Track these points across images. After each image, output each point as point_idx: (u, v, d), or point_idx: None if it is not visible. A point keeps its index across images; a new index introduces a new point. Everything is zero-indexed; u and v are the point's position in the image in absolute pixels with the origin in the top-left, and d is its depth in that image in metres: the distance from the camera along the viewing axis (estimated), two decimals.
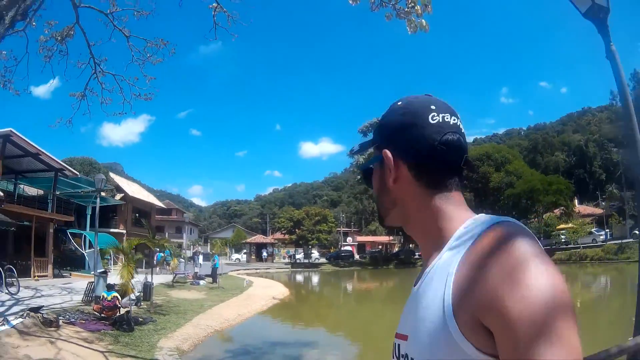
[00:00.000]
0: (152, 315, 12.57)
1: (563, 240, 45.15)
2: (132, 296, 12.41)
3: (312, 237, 54.01)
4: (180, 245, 41.46)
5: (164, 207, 53.30)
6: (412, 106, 0.89)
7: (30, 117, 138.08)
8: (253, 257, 60.80)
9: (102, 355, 8.15)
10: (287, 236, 58.51)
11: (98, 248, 15.67)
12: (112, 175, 41.91)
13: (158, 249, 23.86)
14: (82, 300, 13.06)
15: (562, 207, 46.62)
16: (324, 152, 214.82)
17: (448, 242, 0.80)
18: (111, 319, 10.58)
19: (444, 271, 0.75)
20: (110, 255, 24.47)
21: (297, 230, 54.92)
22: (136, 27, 12.05)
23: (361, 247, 68.08)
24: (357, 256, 59.44)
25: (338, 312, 21.26)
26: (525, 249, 0.67)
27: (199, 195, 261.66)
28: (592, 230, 43.64)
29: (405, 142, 0.87)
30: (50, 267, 21.21)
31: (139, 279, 15.15)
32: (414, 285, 0.87)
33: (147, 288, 14.87)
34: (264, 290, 22.97)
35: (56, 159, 22.52)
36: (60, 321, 9.68)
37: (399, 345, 0.86)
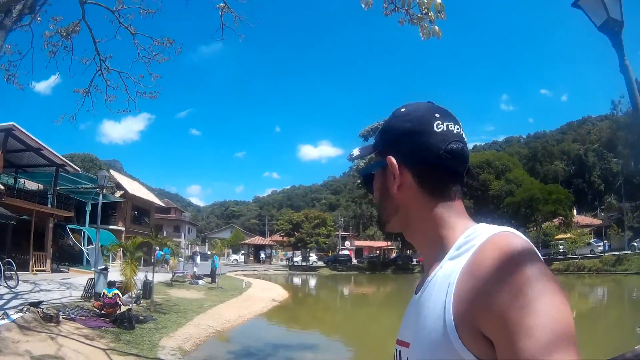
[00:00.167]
0: (152, 313, 12.48)
1: (561, 250, 45.13)
2: (132, 294, 12.39)
3: (310, 240, 54.02)
4: (178, 245, 41.46)
5: (163, 206, 53.20)
6: (416, 113, 0.90)
7: (30, 112, 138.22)
8: (251, 258, 60.76)
9: (103, 353, 8.08)
10: (285, 238, 58.47)
11: (99, 245, 15.62)
12: (112, 172, 41.84)
13: (157, 248, 23.85)
14: (81, 297, 12.97)
15: (561, 217, 46.66)
16: (323, 155, 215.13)
17: (449, 252, 0.80)
18: (112, 316, 10.49)
19: (445, 281, 0.76)
20: (109, 253, 24.42)
21: (296, 232, 54.88)
22: (138, 26, 12.01)
23: (359, 251, 67.97)
24: (354, 260, 59.39)
25: (338, 315, 21.24)
26: (527, 262, 0.68)
27: (197, 195, 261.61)
28: (591, 241, 43.64)
29: (410, 149, 0.87)
30: (48, 261, 21.14)
31: (138, 276, 15.11)
32: (415, 293, 0.87)
33: (147, 286, 14.83)
34: (263, 292, 22.89)
35: (58, 155, 22.50)
36: (61, 317, 9.61)
37: (400, 351, 0.86)
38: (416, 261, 54.26)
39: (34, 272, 19.22)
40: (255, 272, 42.64)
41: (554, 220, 48.09)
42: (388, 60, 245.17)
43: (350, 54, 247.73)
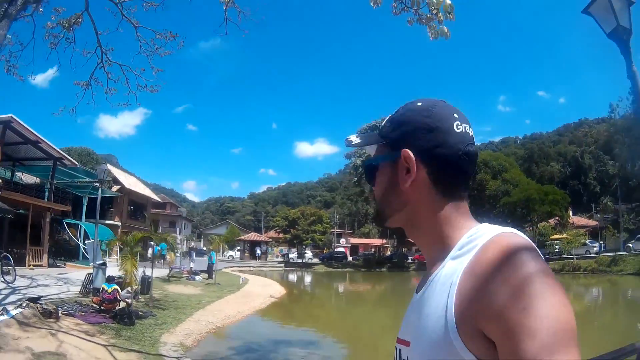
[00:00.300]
0: (151, 309, 12.46)
1: (557, 250, 45.43)
2: (130, 289, 12.37)
3: (306, 237, 54.00)
4: (175, 240, 41.36)
5: (160, 201, 53.05)
6: (436, 110, 0.88)
7: (25, 105, 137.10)
8: (247, 254, 60.75)
9: (105, 349, 8.00)
10: (281, 235, 58.47)
11: (98, 239, 15.57)
12: (109, 167, 41.65)
13: (153, 243, 23.81)
14: (79, 292, 12.94)
15: (557, 218, 46.91)
16: (319, 153, 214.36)
17: (452, 251, 0.80)
18: (111, 312, 10.43)
19: (447, 280, 0.75)
20: (106, 248, 24.37)
21: (292, 229, 54.89)
22: (138, 19, 11.91)
23: (354, 248, 68.27)
24: (349, 258, 59.56)
25: (336, 313, 21.25)
26: (529, 262, 0.67)
27: (193, 191, 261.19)
28: (586, 241, 43.90)
29: (430, 146, 0.85)
30: (45, 256, 21.03)
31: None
32: (417, 292, 0.87)
33: (145, 282, 14.82)
34: (261, 289, 22.89)
35: (56, 148, 22.27)
36: (60, 312, 9.56)
37: (400, 350, 0.86)
38: (411, 259, 54.49)
39: (31, 266, 19.13)
40: (251, 269, 42.68)
41: (550, 221, 48.44)
42: (385, 58, 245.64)
43: (348, 51, 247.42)
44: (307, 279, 41.48)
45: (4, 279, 13.57)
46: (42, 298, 10.33)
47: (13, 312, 8.85)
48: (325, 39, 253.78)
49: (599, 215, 56.60)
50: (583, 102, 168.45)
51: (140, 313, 11.32)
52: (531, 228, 47.73)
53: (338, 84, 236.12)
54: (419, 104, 0.90)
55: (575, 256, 41.10)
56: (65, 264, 22.72)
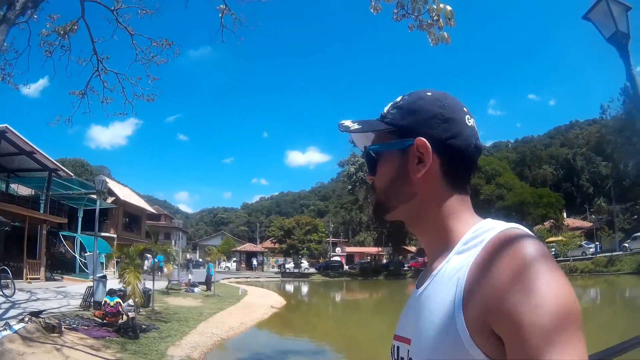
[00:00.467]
0: (153, 322, 12.30)
1: (553, 252, 45.61)
2: (131, 302, 12.27)
3: (302, 246, 53.88)
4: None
5: (155, 213, 52.79)
6: (449, 101, 0.86)
7: (16, 114, 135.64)
8: (243, 265, 60.47)
9: None
10: (277, 245, 58.28)
11: (97, 252, 15.46)
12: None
13: (150, 255, 23.66)
14: (80, 305, 12.78)
15: (552, 220, 47.19)
16: (310, 161, 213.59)
17: (456, 246, 0.78)
18: (114, 325, 10.26)
19: (453, 276, 0.74)
20: (104, 260, 24.19)
21: (287, 239, 54.74)
22: (134, 27, 11.87)
23: (350, 257, 68.09)
24: (346, 267, 59.39)
25: (338, 322, 21.14)
26: (536, 257, 0.66)
27: (186, 202, 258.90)
28: (582, 243, 44.14)
29: (446, 136, 0.83)
30: (42, 269, 20.59)
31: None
32: (417, 287, 0.85)
33: (146, 294, 14.71)
34: (260, 299, 22.78)
35: (51, 159, 21.88)
36: (63, 327, 9.46)
37: (398, 347, 0.84)
38: (408, 266, 54.44)
39: (29, 280, 18.84)
40: (248, 280, 42.43)
41: (545, 224, 48.70)
42: (374, 65, 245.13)
43: (337, 60, 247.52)
44: (305, 289, 41.22)
45: (3, 292, 13.35)
46: (43, 312, 10.18)
47: (16, 327, 8.68)
48: (316, 46, 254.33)
49: (593, 217, 56.94)
50: (574, 104, 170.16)
51: (143, 326, 11.15)
52: None
53: (327, 92, 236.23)
54: (429, 93, 0.88)
55: (571, 258, 41.31)
56: (62, 277, 22.36)
